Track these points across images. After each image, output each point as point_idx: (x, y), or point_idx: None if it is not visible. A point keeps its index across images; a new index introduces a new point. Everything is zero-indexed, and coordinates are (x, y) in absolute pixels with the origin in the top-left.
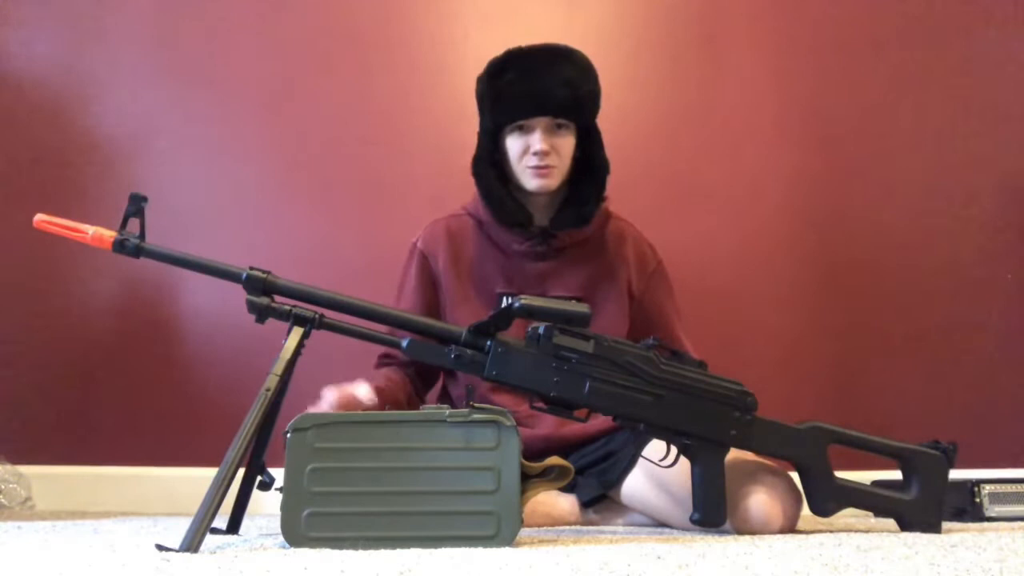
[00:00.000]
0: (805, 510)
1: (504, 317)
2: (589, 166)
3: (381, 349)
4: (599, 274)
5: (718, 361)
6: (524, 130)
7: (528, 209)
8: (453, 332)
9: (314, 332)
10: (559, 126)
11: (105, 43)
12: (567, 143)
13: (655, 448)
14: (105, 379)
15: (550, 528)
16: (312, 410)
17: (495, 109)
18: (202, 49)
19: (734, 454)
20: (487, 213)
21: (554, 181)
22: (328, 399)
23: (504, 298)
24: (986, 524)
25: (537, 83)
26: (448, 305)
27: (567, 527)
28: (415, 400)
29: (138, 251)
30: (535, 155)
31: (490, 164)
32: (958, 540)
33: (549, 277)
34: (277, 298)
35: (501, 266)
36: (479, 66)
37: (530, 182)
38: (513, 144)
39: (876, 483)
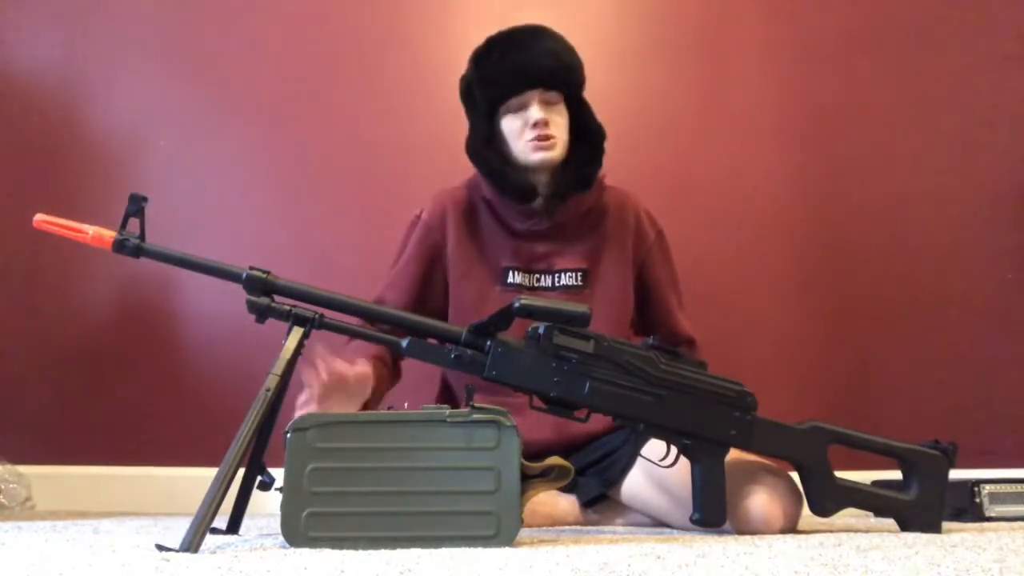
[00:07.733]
0: (805, 510)
1: (504, 317)
2: (585, 135)
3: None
4: (603, 243)
5: (718, 361)
6: (519, 108)
7: (531, 180)
8: (453, 332)
9: (314, 332)
10: (551, 102)
11: (105, 43)
12: (561, 116)
13: (655, 448)
14: (105, 379)
15: (550, 528)
16: (301, 398)
17: (487, 88)
18: (202, 49)
19: (734, 454)
20: (491, 190)
21: (556, 153)
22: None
23: (510, 272)
24: (986, 524)
25: (523, 57)
26: (453, 276)
27: (567, 527)
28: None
29: (138, 251)
30: (534, 127)
31: (486, 145)
32: (958, 540)
33: (554, 254)
34: (277, 298)
35: (507, 243)
36: None
37: (533, 156)
38: (510, 124)
39: (876, 483)
